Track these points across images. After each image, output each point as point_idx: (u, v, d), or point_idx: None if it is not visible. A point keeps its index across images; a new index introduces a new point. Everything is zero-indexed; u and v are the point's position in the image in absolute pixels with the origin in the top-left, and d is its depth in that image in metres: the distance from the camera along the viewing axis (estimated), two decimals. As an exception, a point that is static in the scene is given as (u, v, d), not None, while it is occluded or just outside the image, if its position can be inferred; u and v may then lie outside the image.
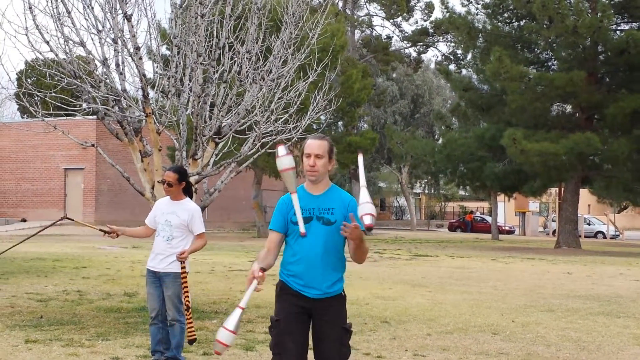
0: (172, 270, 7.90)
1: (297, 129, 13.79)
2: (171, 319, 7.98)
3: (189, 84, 12.25)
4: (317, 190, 5.28)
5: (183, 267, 7.89)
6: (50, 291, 14.01)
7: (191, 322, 7.94)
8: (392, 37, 61.46)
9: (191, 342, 8.00)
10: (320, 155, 5.21)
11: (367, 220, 4.81)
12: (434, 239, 45.52)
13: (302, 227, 5.07)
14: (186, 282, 7.91)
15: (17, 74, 15.18)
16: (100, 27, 11.68)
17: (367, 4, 59.87)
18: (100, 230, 8.09)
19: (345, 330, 5.32)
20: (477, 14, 41.05)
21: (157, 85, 12.63)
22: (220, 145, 12.98)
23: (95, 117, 13.68)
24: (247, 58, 12.76)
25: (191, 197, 8.23)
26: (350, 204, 5.25)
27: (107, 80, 11.84)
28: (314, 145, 5.23)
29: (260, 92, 12.91)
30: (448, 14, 41.37)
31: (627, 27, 38.29)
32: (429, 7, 58.44)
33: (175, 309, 7.93)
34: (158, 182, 11.36)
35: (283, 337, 5.22)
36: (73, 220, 8.77)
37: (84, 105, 12.46)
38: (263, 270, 5.07)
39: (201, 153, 12.33)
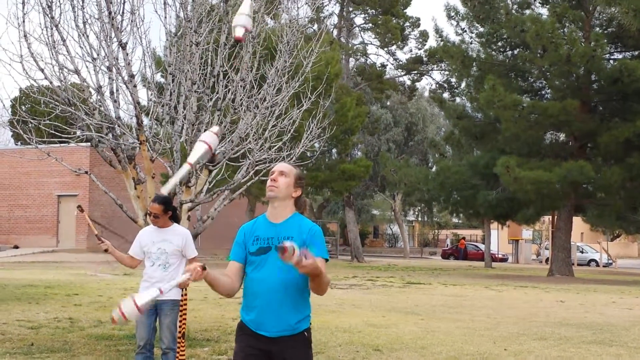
0: (171, 298, 7.85)
1: (291, 156, 13.81)
2: (166, 347, 7.94)
3: (183, 112, 12.28)
4: (278, 218, 4.87)
5: (185, 295, 7.89)
6: (42, 318, 13.96)
7: (184, 351, 7.93)
8: (387, 65, 61.74)
9: None
10: (285, 174, 4.86)
11: (238, 32, 4.23)
12: (427, 267, 45.44)
13: None
14: (185, 309, 7.91)
15: (11, 101, 15.16)
16: (95, 55, 11.73)
17: (362, 33, 60.19)
18: (96, 236, 8.08)
19: None
20: (471, 43, 41.34)
21: (151, 112, 12.65)
22: (213, 173, 13.00)
23: (89, 144, 13.68)
24: (241, 86, 12.81)
25: (178, 222, 8.19)
26: (311, 231, 4.77)
27: (101, 108, 11.88)
28: (281, 164, 4.95)
29: (254, 120, 12.95)
30: (442, 42, 41.65)
31: (620, 56, 38.54)
32: (423, 36, 58.71)
33: (171, 337, 7.90)
34: (147, 213, 11.37)
35: None
36: (83, 211, 8.63)
37: (78, 133, 12.47)
38: (204, 269, 4.42)
39: (195, 180, 12.34)
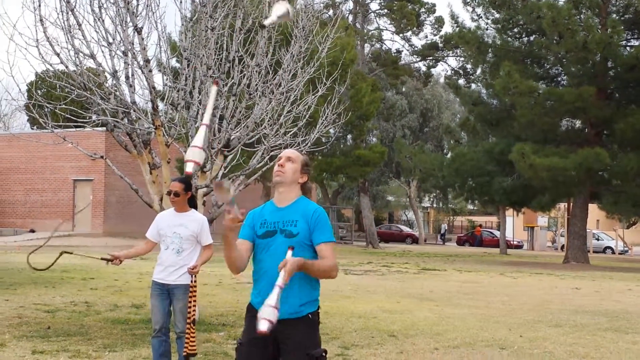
0: (183, 283, 7.85)
1: (306, 142, 13.81)
2: (180, 332, 7.96)
3: (198, 97, 12.28)
4: (284, 202, 4.90)
5: (194, 281, 7.88)
6: (58, 302, 14.03)
7: (194, 336, 7.92)
8: (402, 51, 61.58)
9: (190, 355, 7.95)
10: (292, 159, 4.90)
11: (188, 168, 4.29)
12: (442, 253, 45.42)
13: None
14: (195, 295, 7.90)
15: (27, 85, 15.22)
16: (110, 40, 11.74)
17: (377, 18, 60.02)
18: (102, 259, 7.94)
19: (311, 358, 4.73)
20: (486, 29, 41.12)
21: (166, 97, 12.65)
22: (229, 158, 13.01)
23: (104, 129, 13.71)
24: (256, 71, 12.80)
25: (195, 208, 8.19)
26: (315, 213, 4.81)
27: (117, 93, 11.89)
28: (288, 150, 5.01)
29: (270, 105, 12.95)
30: (458, 28, 41.45)
31: (637, 43, 38.28)
32: (439, 22, 58.51)
33: (185, 321, 7.91)
34: (165, 194, 11.37)
35: None
36: (72, 253, 8.65)
37: (94, 117, 12.50)
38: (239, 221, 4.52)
39: (210, 166, 12.36)
